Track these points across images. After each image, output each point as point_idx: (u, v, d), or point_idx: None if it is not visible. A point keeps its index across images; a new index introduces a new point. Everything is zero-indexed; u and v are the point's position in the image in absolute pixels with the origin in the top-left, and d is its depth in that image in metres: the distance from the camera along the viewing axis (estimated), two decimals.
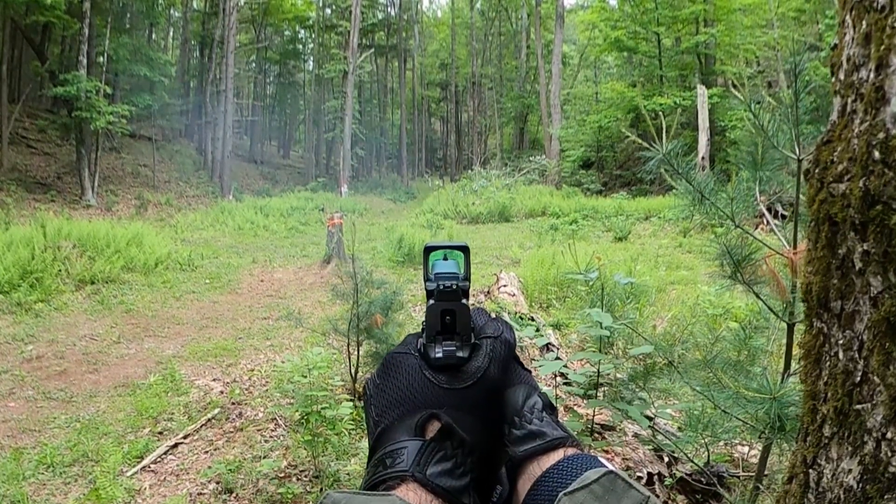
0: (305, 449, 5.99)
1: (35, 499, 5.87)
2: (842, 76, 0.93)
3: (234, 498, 5.70)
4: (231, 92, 26.08)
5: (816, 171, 0.95)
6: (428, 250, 1.04)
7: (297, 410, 6.22)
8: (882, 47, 0.83)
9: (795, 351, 3.99)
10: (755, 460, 4.80)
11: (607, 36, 25.47)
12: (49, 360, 8.76)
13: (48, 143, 22.68)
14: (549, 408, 0.88)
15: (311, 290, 11.76)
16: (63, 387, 8.00)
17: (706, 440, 4.82)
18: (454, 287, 0.89)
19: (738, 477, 5.14)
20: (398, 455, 0.79)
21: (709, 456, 5.13)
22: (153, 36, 34.45)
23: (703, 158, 18.02)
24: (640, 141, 4.00)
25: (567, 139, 26.17)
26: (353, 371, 6.95)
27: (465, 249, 1.04)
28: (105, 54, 22.43)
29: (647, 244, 13.31)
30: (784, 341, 3.81)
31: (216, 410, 7.11)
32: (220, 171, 25.30)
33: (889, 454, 0.87)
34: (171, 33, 38.82)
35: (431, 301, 0.90)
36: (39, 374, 8.36)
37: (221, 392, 7.68)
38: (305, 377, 6.55)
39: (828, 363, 0.97)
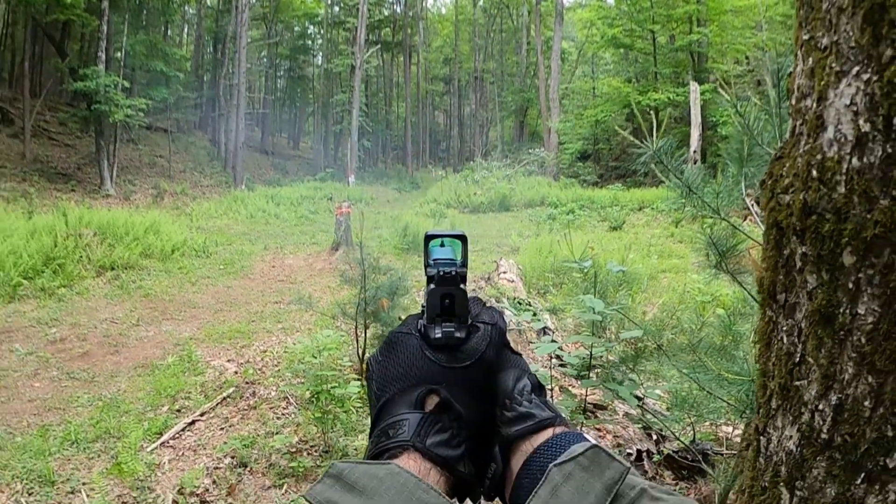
0: (316, 426, 6.06)
1: (60, 473, 5.94)
2: (793, 101, 0.99)
3: (249, 471, 5.76)
4: (243, 86, 26.02)
5: (769, 182, 1.01)
6: (428, 238, 1.04)
7: (307, 389, 6.28)
8: (822, 82, 0.89)
9: None
10: (738, 439, 4.85)
11: (604, 33, 25.32)
12: (72, 342, 8.83)
13: (69, 135, 22.64)
14: (539, 389, 0.90)
15: (320, 276, 11.80)
16: (85, 367, 8.08)
17: (692, 419, 4.90)
18: (453, 273, 0.92)
19: (722, 454, 5.17)
20: (400, 426, 0.83)
21: (694, 434, 5.20)
22: (168, 32, 34.40)
23: (694, 152, 17.97)
24: (631, 138, 4.06)
25: (565, 132, 26.09)
26: (360, 352, 6.99)
27: (463, 238, 1.05)
28: (123, 50, 22.40)
29: (641, 233, 13.31)
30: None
31: (231, 389, 7.17)
32: (233, 161, 25.28)
33: (821, 423, 0.93)
34: (186, 30, 38.78)
35: (432, 285, 0.92)
36: (63, 355, 8.43)
37: (236, 372, 7.74)
38: (315, 358, 6.60)
39: (775, 346, 1.03)
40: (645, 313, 8.53)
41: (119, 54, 22.26)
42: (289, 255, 13.22)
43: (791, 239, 0.95)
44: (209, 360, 8.04)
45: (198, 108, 29.95)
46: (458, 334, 0.88)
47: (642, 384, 5.30)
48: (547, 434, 0.83)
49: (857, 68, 0.83)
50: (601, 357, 5.45)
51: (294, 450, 6.00)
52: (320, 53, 41.50)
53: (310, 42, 41.98)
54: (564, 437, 0.82)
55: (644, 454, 5.21)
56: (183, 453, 6.14)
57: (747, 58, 24.02)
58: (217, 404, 6.91)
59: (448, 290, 0.90)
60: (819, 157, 0.89)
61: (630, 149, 24.18)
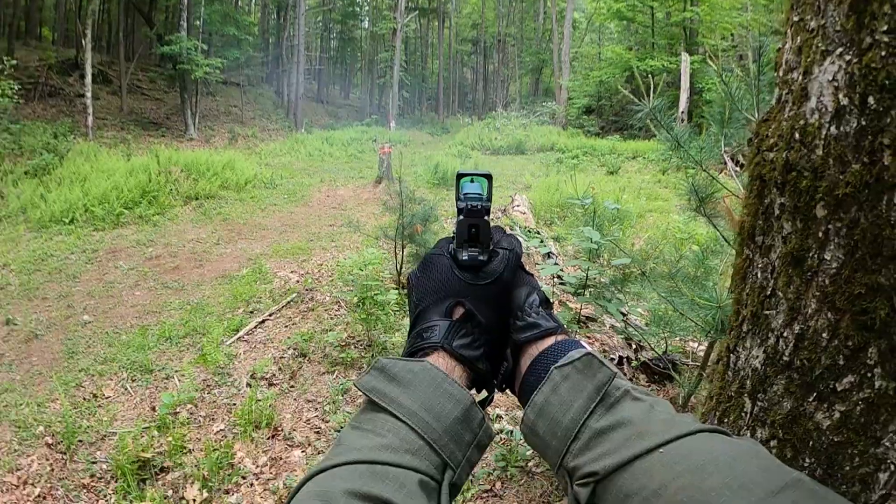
0: (361, 325, 6.16)
1: (157, 363, 6.11)
2: (781, 73, 0.98)
3: (307, 360, 5.91)
4: (302, 46, 25.83)
5: (755, 140, 1.00)
6: (459, 176, 1.06)
7: (355, 296, 6.36)
8: (808, 59, 0.87)
9: None
10: (702, 353, 4.92)
11: (610, 7, 24.67)
12: (165, 258, 9.00)
13: (158, 91, 22.67)
14: (545, 303, 0.93)
15: (366, 205, 11.84)
16: (176, 279, 8.25)
17: (665, 334, 5.04)
18: (479, 207, 0.95)
19: (688, 365, 5.34)
20: (432, 331, 0.87)
21: (666, 347, 5.39)
22: (239, 2, 34.01)
23: (682, 113, 17.66)
24: (631, 97, 4.11)
25: (573, 89, 25.69)
26: (398, 267, 7.07)
27: (489, 177, 1.05)
28: (201, 19, 22.30)
29: (633, 178, 13.12)
30: (731, 263, 3.96)
31: (293, 295, 7.29)
32: (294, 109, 25.25)
33: (784, 347, 0.93)
34: (253, 0, 38.18)
35: (461, 216, 0.95)
36: (158, 269, 8.60)
37: (297, 281, 7.85)
38: (362, 271, 6.70)
39: (750, 280, 1.04)
40: (633, 245, 8.52)
41: (198, 22, 22.12)
42: (340, 187, 13.22)
43: (772, 190, 0.95)
44: (276, 271, 8.16)
45: (264, 65, 29.78)
46: (481, 258, 0.93)
47: (627, 303, 5.46)
48: (550, 341, 0.87)
49: (840, 49, 0.82)
50: (595, 279, 5.63)
51: (343, 343, 6.12)
52: (367, 18, 40.88)
53: (357, 8, 41.27)
54: (564, 343, 0.86)
55: (624, 360, 5.45)
56: (255, 346, 6.28)
57: (732, 35, 23.42)
58: (282, 307, 7.04)
59: (474, 221, 0.93)
60: (802, 122, 0.88)
61: (629, 106, 23.78)
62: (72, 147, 14.36)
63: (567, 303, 6.14)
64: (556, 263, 6.76)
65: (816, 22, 0.86)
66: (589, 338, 5.62)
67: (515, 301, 0.93)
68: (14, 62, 14.89)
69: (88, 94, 16.96)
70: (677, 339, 5.34)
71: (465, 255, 0.93)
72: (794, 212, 0.91)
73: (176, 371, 5.95)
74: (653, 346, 5.38)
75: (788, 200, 0.92)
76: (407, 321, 6.52)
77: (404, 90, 33.14)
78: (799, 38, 0.91)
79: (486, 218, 0.94)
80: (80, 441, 5.12)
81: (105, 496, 4.67)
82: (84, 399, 5.71)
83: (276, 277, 7.95)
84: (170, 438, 4.98)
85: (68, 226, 10.31)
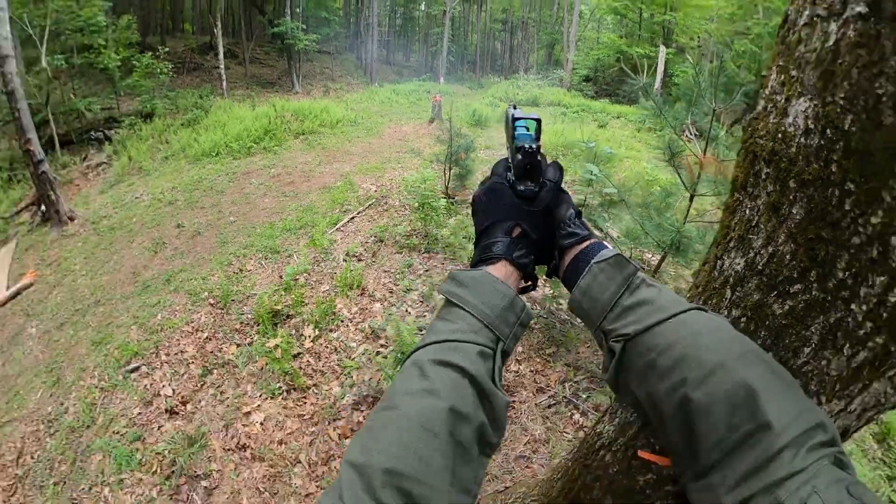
0: (420, 222, 6.15)
1: (281, 247, 6.25)
2: (767, 92, 1.02)
3: (383, 244, 5.97)
4: (375, 23, 25.18)
5: (749, 129, 1.05)
6: (514, 119, 0.99)
7: (416, 202, 6.36)
8: (789, 92, 0.92)
9: (692, 212, 4.15)
10: (654, 262, 4.89)
11: (609, 3, 24.24)
12: (283, 176, 9.05)
13: (271, 60, 22.37)
14: (579, 215, 0.94)
15: (422, 138, 11.63)
16: (292, 190, 8.32)
17: (632, 247, 4.98)
18: (533, 148, 0.91)
19: (644, 269, 5.34)
20: (496, 245, 0.88)
21: (631, 255, 5.30)
22: None
23: (658, 90, 17.22)
24: (629, 73, 4.35)
25: (577, 63, 24.74)
26: (446, 183, 6.99)
27: (538, 121, 0.99)
28: (301, 6, 21.89)
29: (616, 132, 12.58)
30: (686, 203, 4.11)
31: (373, 200, 7.30)
32: (370, 69, 24.74)
33: (759, 260, 1.00)
34: None
35: (519, 156, 0.91)
36: (279, 183, 8.68)
37: (375, 191, 7.84)
38: (421, 185, 6.66)
39: (739, 213, 1.09)
40: (617, 180, 8.39)
41: (298, 9, 21.59)
42: (404, 125, 13.00)
43: (760, 162, 0.99)
44: (360, 184, 8.16)
45: (347, 38, 29.03)
46: (534, 189, 0.92)
47: (609, 220, 5.42)
48: (585, 244, 0.89)
49: (811, 96, 0.87)
50: (587, 202, 5.60)
51: (408, 234, 6.14)
52: (423, 2, 39.52)
53: None
54: (596, 245, 0.89)
55: None
56: (348, 234, 6.36)
57: (699, 38, 23.12)
58: (365, 208, 7.08)
59: (529, 160, 0.91)
60: (783, 128, 0.93)
61: (618, 78, 23.58)
62: (213, 104, 14.41)
63: None
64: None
65: (797, 73, 0.89)
66: None
67: (559, 216, 0.93)
68: (167, 49, 15.91)
69: (222, 67, 16.88)
70: (639, 250, 5.31)
71: (521, 187, 0.92)
72: (775, 178, 0.95)
73: (294, 251, 6.09)
74: (623, 252, 5.41)
75: (772, 171, 0.95)
76: (452, 221, 6.58)
77: (450, 55, 32.46)
78: (783, 76, 0.93)
79: (537, 157, 0.91)
80: (232, 300, 5.34)
81: (250, 336, 4.88)
82: (233, 273, 5.93)
83: (360, 188, 7.95)
84: (292, 296, 5.16)
85: (214, 157, 10.46)
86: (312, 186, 8.32)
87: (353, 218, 6.80)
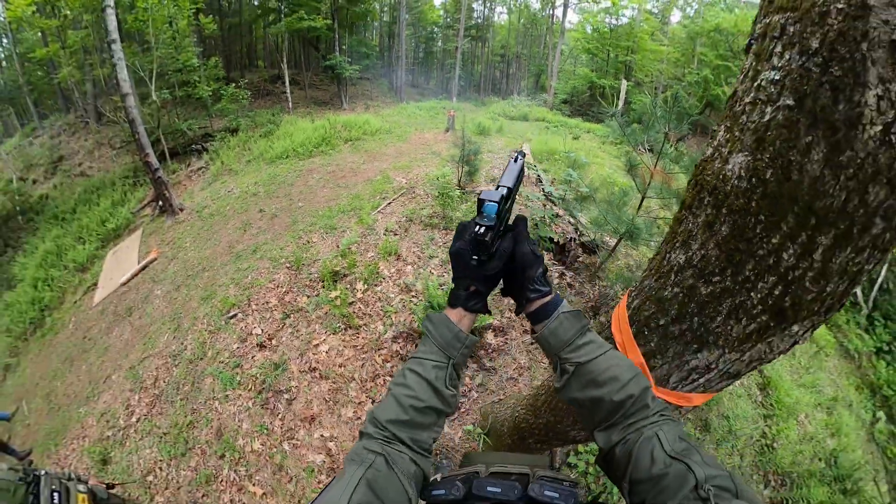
0: (440, 206, 6.11)
1: (338, 224, 6.24)
2: (714, 143, 1.04)
3: (412, 223, 5.95)
4: (403, 55, 24.62)
5: (699, 167, 1.07)
6: (480, 201, 0.86)
7: (436, 191, 6.32)
8: (732, 147, 0.96)
9: (643, 209, 4.16)
10: (612, 244, 4.83)
11: (584, 45, 23.57)
12: (336, 172, 8.98)
13: (324, 85, 21.88)
14: (545, 272, 0.91)
15: (440, 143, 11.40)
16: (343, 182, 8.26)
17: (596, 231, 5.05)
18: (483, 230, 0.83)
19: (604, 248, 5.27)
20: (457, 297, 0.94)
21: (594, 237, 5.25)
22: (366, 33, 32.18)
23: (619, 113, 16.67)
24: (601, 100, 4.74)
25: (558, 89, 24.23)
26: (460, 178, 6.93)
27: (504, 197, 0.86)
28: (347, 44, 21.44)
29: (587, 143, 12.20)
30: (638, 202, 4.13)
31: (404, 190, 7.26)
32: (400, 91, 24.26)
33: (695, 257, 1.11)
34: (376, 30, 36.04)
35: (475, 233, 0.83)
36: (333, 177, 8.62)
37: (405, 183, 7.74)
38: (441, 179, 6.61)
39: (684, 225, 1.21)
40: (587, 181, 8.21)
41: (344, 46, 21.15)
42: (425, 133, 12.79)
43: (704, 193, 1.04)
44: (394, 177, 8.07)
45: (382, 67, 28.43)
46: (484, 259, 0.88)
47: (581, 211, 5.39)
48: (548, 298, 0.91)
49: (747, 153, 0.90)
50: (565, 196, 5.60)
51: (430, 215, 6.11)
52: (440, 40, 38.56)
53: (436, 33, 38.87)
54: (558, 298, 0.91)
55: (573, 240, 5.33)
56: (386, 215, 6.34)
57: (653, 75, 22.85)
58: (398, 196, 7.05)
59: (480, 239, 0.82)
60: (724, 172, 0.98)
61: (588, 102, 23.08)
62: (282, 120, 14.30)
63: (552, 207, 6.02)
64: (547, 186, 6.66)
65: (739, 134, 0.92)
66: (557, 226, 5.51)
67: (529, 275, 0.90)
68: (245, 80, 16.27)
69: (288, 91, 16.75)
70: (601, 234, 5.26)
71: (475, 256, 0.87)
72: (713, 205, 1.00)
73: (347, 228, 6.11)
74: (589, 235, 5.30)
75: (711, 199, 1.00)
76: (463, 206, 6.52)
77: (461, 80, 31.86)
78: (728, 135, 0.96)
79: (487, 238, 0.83)
80: (303, 264, 5.39)
81: (317, 290, 4.95)
82: (303, 244, 5.97)
83: (394, 181, 7.88)
84: (347, 261, 5.20)
85: (285, 160, 10.43)
86: (359, 180, 8.30)
87: (389, 203, 6.77)
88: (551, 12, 31.97)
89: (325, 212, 6.80)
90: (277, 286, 5.09)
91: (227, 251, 6.58)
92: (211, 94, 13.43)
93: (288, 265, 5.40)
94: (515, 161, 0.92)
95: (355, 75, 20.34)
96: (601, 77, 22.20)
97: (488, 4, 36.29)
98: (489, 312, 0.98)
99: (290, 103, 17.10)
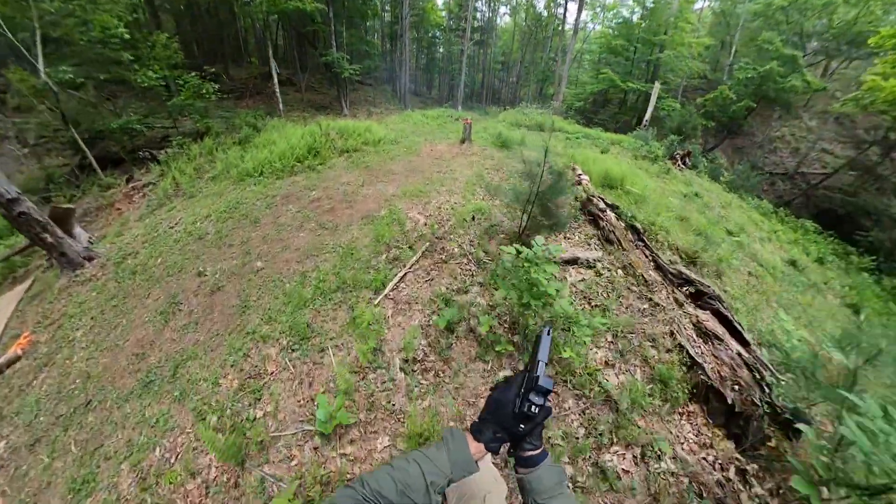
0: (503, 292, 2.99)
1: (314, 327, 3.26)
2: None
3: (456, 337, 2.92)
4: (407, 60, 21.80)
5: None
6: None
7: (488, 257, 3.34)
8: None
9: None
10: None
11: (609, 42, 19.70)
12: (323, 200, 5.92)
13: (323, 88, 19.06)
14: (541, 431, 1.16)
15: (456, 157, 8.41)
16: (331, 219, 5.23)
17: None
18: (525, 429, 1.14)
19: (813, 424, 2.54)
20: (484, 434, 1.15)
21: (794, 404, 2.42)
22: (367, 32, 28.99)
23: (646, 121, 13.87)
24: (617, 107, 1.42)
25: (571, 95, 21.21)
26: (522, 228, 4.00)
27: (545, 404, 1.13)
28: (344, 41, 18.27)
29: (625, 162, 9.11)
30: None
31: (426, 244, 4.27)
32: (404, 98, 21.44)
33: None
34: (377, 31, 32.80)
35: (523, 425, 1.13)
36: (318, 210, 5.56)
37: (425, 223, 4.81)
38: (474, 219, 3.64)
39: None
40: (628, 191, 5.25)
41: (343, 42, 18.16)
42: (437, 144, 9.82)
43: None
44: (406, 212, 5.13)
45: (385, 71, 25.42)
46: (524, 428, 1.12)
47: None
48: (538, 451, 1.15)
49: None
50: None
51: (488, 316, 3.14)
52: (443, 44, 35.54)
53: (438, 38, 35.74)
54: (545, 453, 1.16)
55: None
56: (400, 308, 3.33)
57: (683, 74, 18.61)
58: (418, 258, 4.05)
59: (529, 424, 1.12)
60: None
61: (602, 108, 19.61)
62: (267, 123, 11.13)
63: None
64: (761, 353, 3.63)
65: None
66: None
67: (524, 434, 1.13)
68: (213, 70, 11.28)
69: (277, 90, 13.57)
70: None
71: (518, 426, 1.11)
72: None
73: (331, 339, 3.11)
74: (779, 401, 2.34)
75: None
76: (556, 284, 3.51)
77: (465, 88, 29.10)
78: None
79: (536, 413, 1.10)
80: (247, 450, 2.38)
81: None
82: (249, 378, 3.00)
83: (407, 219, 4.97)
84: (334, 465, 2.17)
85: (258, 178, 7.27)
86: (354, 215, 5.27)
87: (405, 275, 3.75)
88: (563, 11, 28.63)
89: (296, 287, 3.79)
90: (202, 491, 2.07)
91: (132, 364, 3.55)
92: (163, 83, 9.55)
93: (221, 437, 2.37)
94: (548, 334, 1.11)
95: (355, 76, 17.28)
96: (625, 80, 18.57)
97: (491, 5, 33.25)
98: (499, 451, 1.14)
99: (282, 105, 13.98)
